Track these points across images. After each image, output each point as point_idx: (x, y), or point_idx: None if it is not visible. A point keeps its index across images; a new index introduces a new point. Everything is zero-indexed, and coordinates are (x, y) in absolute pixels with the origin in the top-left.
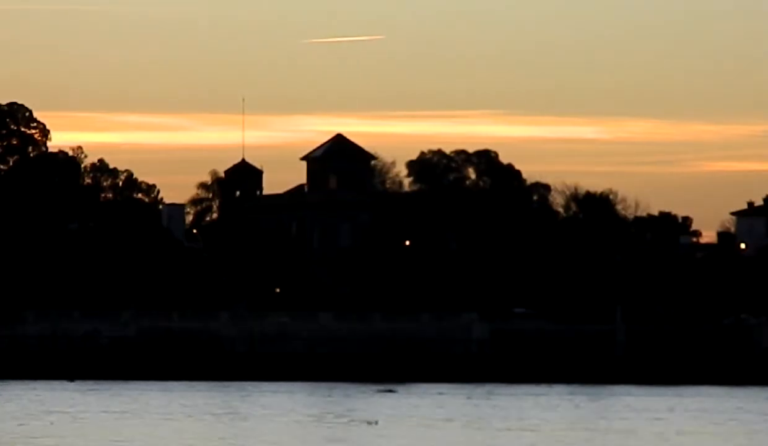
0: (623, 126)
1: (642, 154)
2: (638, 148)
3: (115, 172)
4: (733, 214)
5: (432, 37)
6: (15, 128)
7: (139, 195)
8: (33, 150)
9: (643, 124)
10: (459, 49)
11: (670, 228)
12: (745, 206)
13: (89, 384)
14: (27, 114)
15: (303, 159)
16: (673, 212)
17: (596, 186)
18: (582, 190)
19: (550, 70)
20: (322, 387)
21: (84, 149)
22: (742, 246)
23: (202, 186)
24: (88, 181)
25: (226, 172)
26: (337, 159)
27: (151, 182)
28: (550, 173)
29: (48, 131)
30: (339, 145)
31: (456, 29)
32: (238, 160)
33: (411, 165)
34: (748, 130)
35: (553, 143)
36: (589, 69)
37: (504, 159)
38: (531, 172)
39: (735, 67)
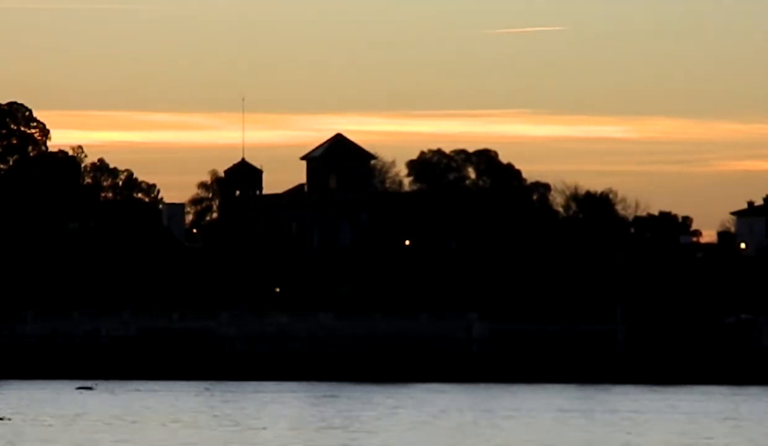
0: (625, 126)
1: (642, 154)
2: (639, 148)
3: (115, 172)
4: (733, 213)
5: (431, 36)
6: (15, 128)
7: (139, 195)
8: (33, 149)
9: (644, 124)
10: (458, 49)
11: (670, 228)
12: (745, 206)
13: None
14: (27, 113)
15: (303, 159)
16: (673, 212)
17: (597, 185)
18: (582, 190)
19: (549, 69)
20: (320, 387)
21: (84, 149)
22: (742, 246)
23: (202, 186)
24: (88, 180)
25: (226, 172)
26: (337, 159)
27: (151, 182)
28: (550, 172)
29: (48, 130)
30: (339, 144)
31: (456, 29)
32: (238, 159)
33: (411, 165)
34: (748, 130)
35: (554, 142)
36: (590, 68)
37: (504, 158)
38: (531, 171)
39: (734, 67)
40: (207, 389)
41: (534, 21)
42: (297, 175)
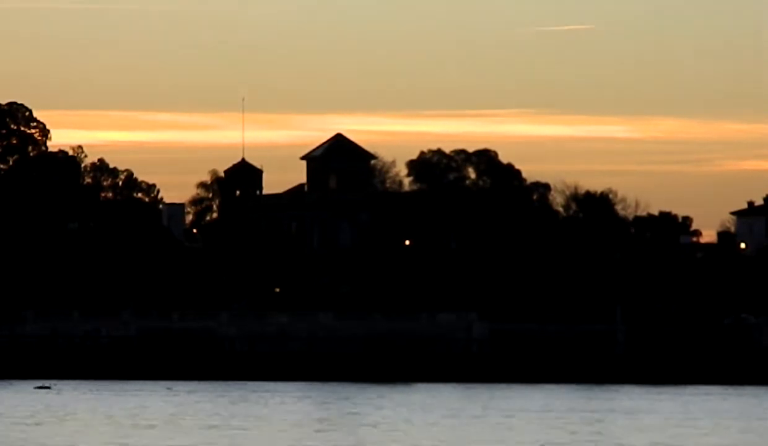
0: (625, 125)
1: (643, 153)
2: (639, 147)
3: (115, 172)
4: (733, 213)
5: (431, 36)
6: (15, 128)
7: (139, 194)
8: (33, 149)
9: (644, 124)
10: (458, 49)
11: (670, 228)
12: (745, 206)
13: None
14: (27, 113)
15: (303, 158)
16: (673, 212)
17: (597, 185)
18: (582, 190)
19: (549, 69)
20: (319, 387)
21: (84, 149)
22: (742, 246)
23: (202, 185)
24: (88, 180)
25: (226, 172)
26: (337, 158)
27: (151, 182)
28: (550, 172)
29: (48, 130)
30: (339, 144)
31: (456, 29)
32: (238, 159)
33: (411, 165)
34: (748, 130)
35: (554, 142)
36: (591, 68)
37: (504, 158)
38: (531, 171)
39: (735, 67)
40: (169, 388)
41: (534, 21)
42: (297, 175)
